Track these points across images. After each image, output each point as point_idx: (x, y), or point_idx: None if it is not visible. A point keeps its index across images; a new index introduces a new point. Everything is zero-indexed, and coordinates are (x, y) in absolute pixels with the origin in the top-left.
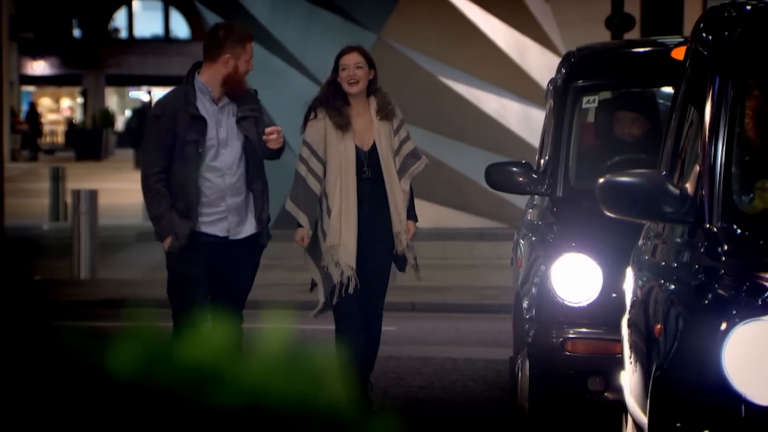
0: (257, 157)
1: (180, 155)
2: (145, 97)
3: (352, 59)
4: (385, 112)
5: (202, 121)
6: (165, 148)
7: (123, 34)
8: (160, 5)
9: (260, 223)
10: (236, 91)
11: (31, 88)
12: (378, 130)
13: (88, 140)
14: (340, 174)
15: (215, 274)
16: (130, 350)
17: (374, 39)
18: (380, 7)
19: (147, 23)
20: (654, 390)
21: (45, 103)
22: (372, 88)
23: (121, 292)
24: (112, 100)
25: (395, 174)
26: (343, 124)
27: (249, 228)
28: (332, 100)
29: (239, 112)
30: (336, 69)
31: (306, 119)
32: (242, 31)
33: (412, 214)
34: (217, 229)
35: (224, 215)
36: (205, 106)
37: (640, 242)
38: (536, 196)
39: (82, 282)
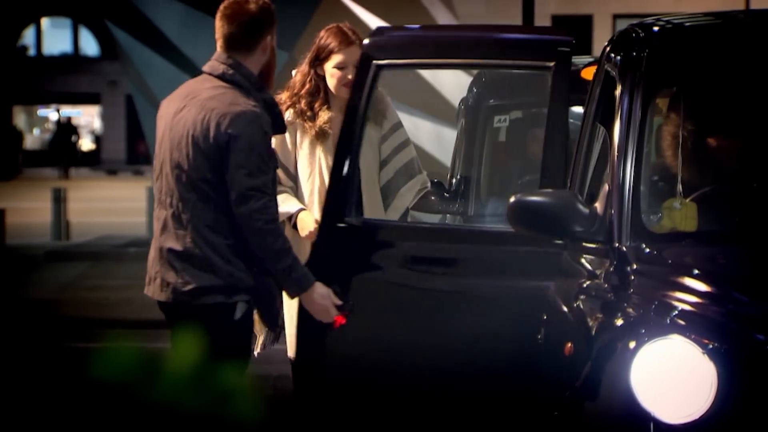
0: None
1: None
2: (54, 115)
3: (353, 56)
4: (372, 113)
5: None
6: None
7: (31, 51)
8: (69, 23)
9: None
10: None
11: None
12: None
13: None
14: (314, 195)
15: None
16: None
17: (286, 58)
18: (291, 26)
19: (56, 41)
20: (564, 409)
21: None
22: None
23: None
24: (20, 118)
25: (377, 194)
26: (321, 132)
27: None
28: (311, 101)
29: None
30: (319, 60)
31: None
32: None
33: None
34: None
35: None
36: None
37: None
38: (448, 216)
39: None
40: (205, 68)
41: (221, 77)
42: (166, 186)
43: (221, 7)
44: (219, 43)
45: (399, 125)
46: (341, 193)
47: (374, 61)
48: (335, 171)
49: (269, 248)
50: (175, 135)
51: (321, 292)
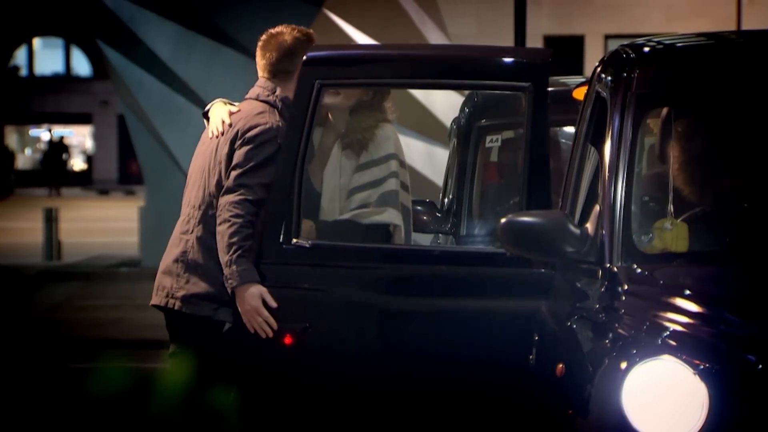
0: None
1: None
2: (46, 135)
3: None
4: (349, 140)
5: None
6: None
7: (23, 71)
8: (60, 43)
9: None
10: None
11: None
12: (333, 164)
13: None
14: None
15: None
16: None
17: None
18: None
19: (48, 61)
20: (555, 430)
21: None
22: (363, 103)
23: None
24: (11, 138)
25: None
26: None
27: None
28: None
29: None
30: None
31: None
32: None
33: None
34: None
35: None
36: None
37: None
38: (440, 235)
39: None
40: (246, 95)
41: (256, 98)
42: (188, 194)
43: (260, 38)
44: (259, 73)
45: (385, 159)
46: (282, 213)
47: (317, 80)
48: (275, 192)
49: (225, 238)
50: (204, 144)
51: (253, 291)
